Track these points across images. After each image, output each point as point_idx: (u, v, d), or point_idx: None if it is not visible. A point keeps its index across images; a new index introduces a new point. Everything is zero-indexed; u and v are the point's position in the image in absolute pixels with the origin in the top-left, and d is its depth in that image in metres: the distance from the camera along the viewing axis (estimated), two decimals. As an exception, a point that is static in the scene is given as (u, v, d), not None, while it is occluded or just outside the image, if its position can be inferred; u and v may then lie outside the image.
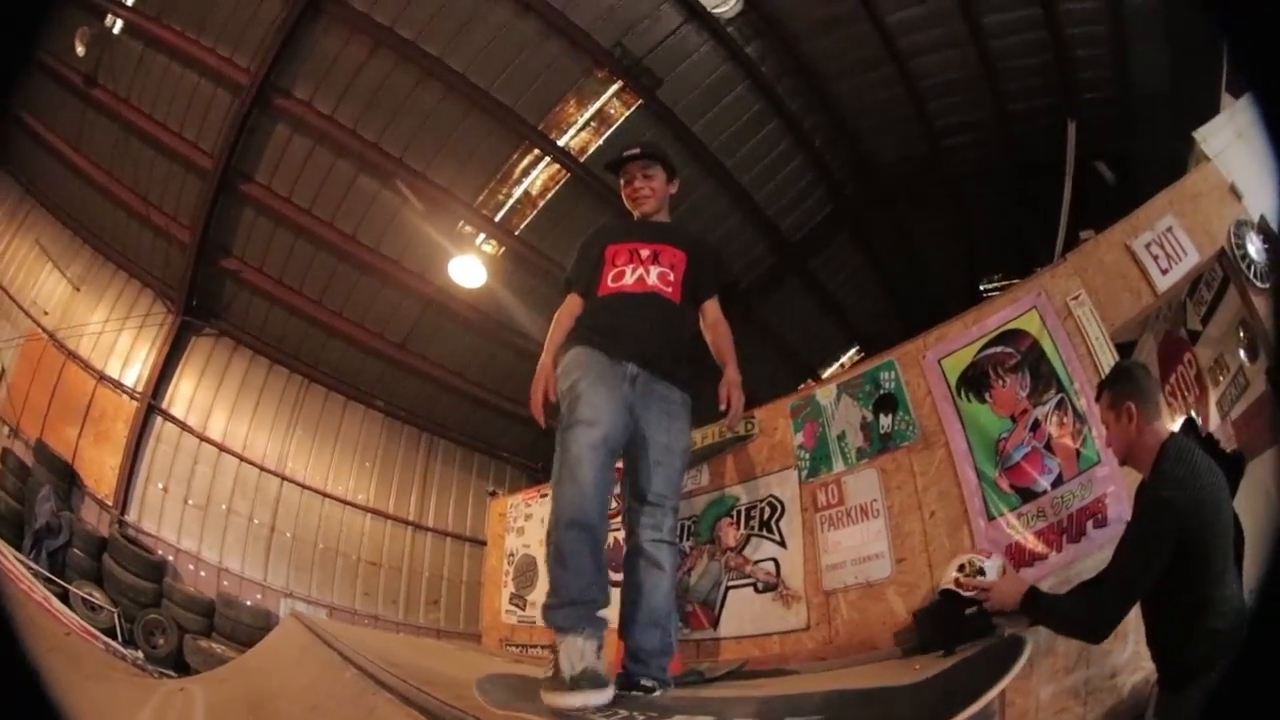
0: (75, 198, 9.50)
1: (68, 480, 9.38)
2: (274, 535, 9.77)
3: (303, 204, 8.44)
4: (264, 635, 8.17)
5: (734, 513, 3.78)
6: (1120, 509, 2.55)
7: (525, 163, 8.14)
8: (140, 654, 8.52)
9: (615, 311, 2.46)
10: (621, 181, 2.75)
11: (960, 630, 2.37)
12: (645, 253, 2.53)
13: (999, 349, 2.94)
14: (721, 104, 8.23)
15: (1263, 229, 3.13)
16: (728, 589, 3.62)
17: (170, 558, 9.42)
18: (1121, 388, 2.09)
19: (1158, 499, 1.87)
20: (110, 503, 9.36)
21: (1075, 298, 2.93)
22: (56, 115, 8.78)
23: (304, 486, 9.94)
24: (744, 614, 3.47)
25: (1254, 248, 3.11)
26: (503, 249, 8.80)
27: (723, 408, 2.47)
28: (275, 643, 5.22)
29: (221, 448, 9.76)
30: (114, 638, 8.50)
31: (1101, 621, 1.96)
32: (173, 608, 9.18)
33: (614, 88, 7.69)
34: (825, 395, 3.56)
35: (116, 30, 7.96)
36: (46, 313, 9.82)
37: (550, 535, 2.13)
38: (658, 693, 2.23)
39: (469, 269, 8.24)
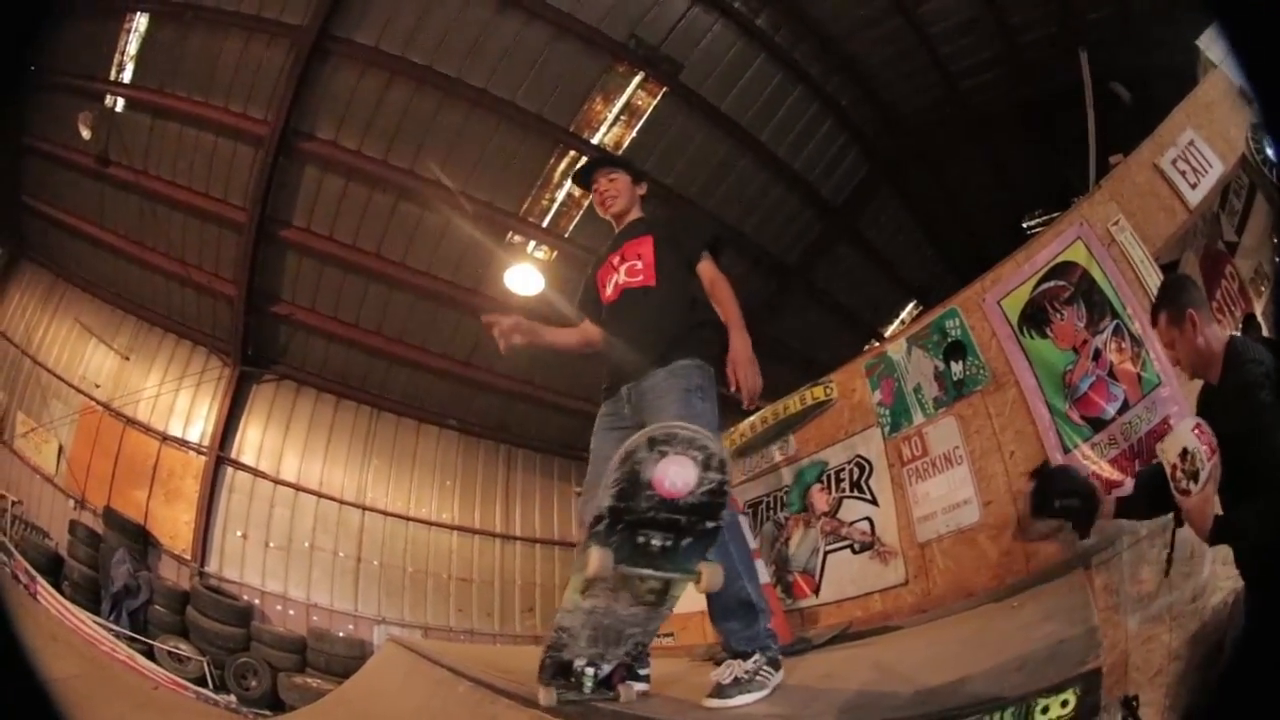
0: (109, 273, 10.00)
1: (142, 541, 9.77)
2: (360, 565, 10.27)
3: (345, 239, 8.97)
4: (360, 664, 8.52)
5: (824, 478, 3.98)
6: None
7: (563, 166, 8.44)
8: (233, 698, 8.92)
9: (606, 338, 2.61)
10: (592, 193, 2.86)
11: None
12: (616, 259, 2.63)
13: (1052, 283, 3.10)
14: (744, 79, 8.37)
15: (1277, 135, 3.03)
16: (826, 554, 3.83)
17: (256, 601, 9.83)
18: (1177, 299, 2.14)
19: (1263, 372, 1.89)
20: (188, 556, 9.82)
21: (1115, 223, 3.06)
22: (75, 199, 9.27)
23: (386, 513, 10.46)
24: (844, 577, 3.68)
25: (1272, 149, 3.18)
26: (555, 253, 9.14)
27: (732, 389, 2.38)
28: (375, 669, 5.35)
29: (297, 487, 10.29)
30: (205, 686, 8.87)
31: None
32: (263, 649, 9.52)
33: (637, 79, 7.96)
34: (896, 350, 3.76)
35: (119, 108, 8.53)
36: (98, 385, 10.33)
37: None
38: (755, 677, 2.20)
39: (525, 277, 8.57)
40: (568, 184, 8.55)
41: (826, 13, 8.09)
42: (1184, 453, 2.08)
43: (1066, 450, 2.93)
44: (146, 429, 10.18)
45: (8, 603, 1.21)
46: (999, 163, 10.20)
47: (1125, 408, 2.84)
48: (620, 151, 8.41)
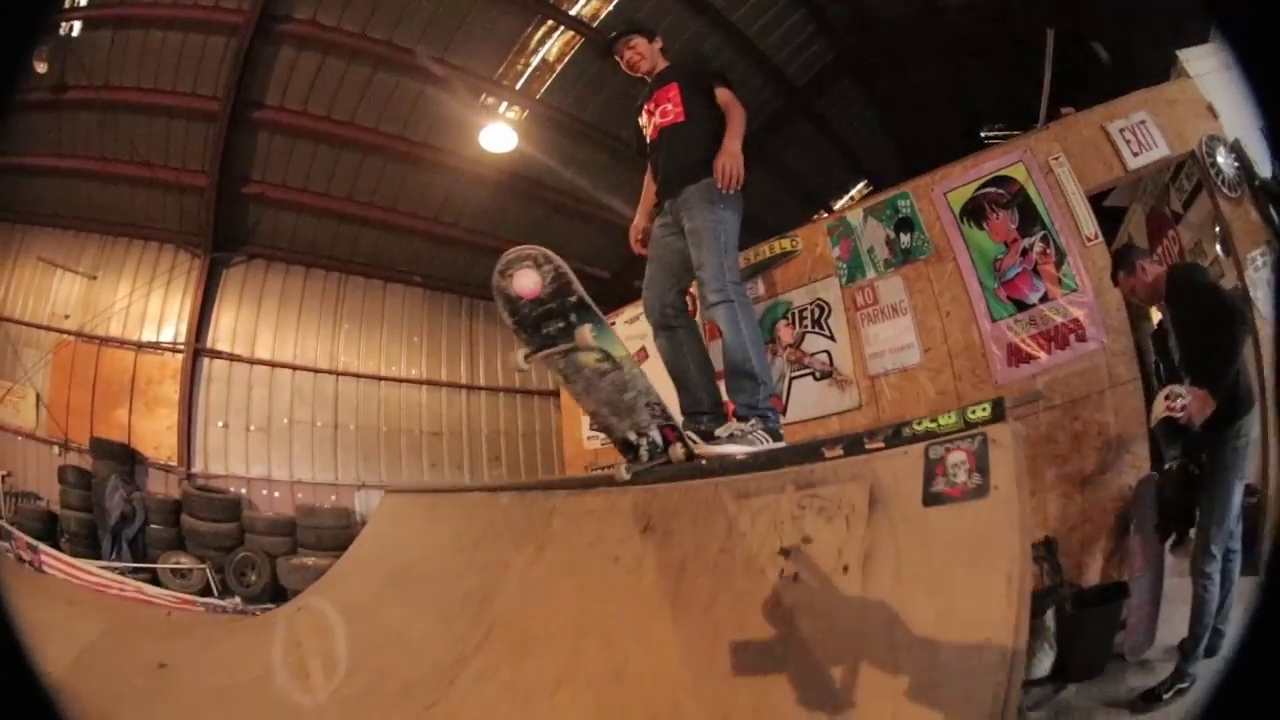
0: (70, 198, 10.01)
1: (129, 461, 9.95)
2: (338, 432, 10.90)
3: (319, 113, 9.09)
4: (349, 533, 9.12)
5: (789, 315, 4.91)
6: (1096, 330, 3.79)
7: (540, 34, 8.65)
8: (237, 599, 9.02)
9: (653, 163, 3.28)
10: (617, 61, 3.42)
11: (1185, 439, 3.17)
12: (652, 105, 3.25)
13: (992, 189, 4.09)
14: None
15: (1235, 149, 3.94)
16: (791, 380, 4.82)
17: (243, 491, 10.21)
18: (1129, 258, 3.23)
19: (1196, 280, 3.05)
20: (175, 463, 10.14)
21: (1056, 159, 4.00)
22: (30, 138, 9.18)
23: (358, 376, 11.07)
24: (807, 400, 4.72)
25: (1224, 160, 3.93)
26: (525, 113, 9.47)
27: (716, 175, 2.91)
28: (382, 525, 5.32)
29: (273, 364, 10.71)
30: (210, 595, 9.08)
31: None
32: (257, 539, 9.82)
33: None
34: (854, 217, 4.73)
35: (76, 33, 8.38)
36: (67, 316, 10.38)
37: None
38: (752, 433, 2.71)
39: (499, 135, 9.05)
40: (543, 50, 8.84)
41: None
42: (1167, 396, 3.08)
43: (994, 319, 4.03)
44: (121, 342, 10.34)
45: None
46: (964, 78, 10.96)
47: (1046, 299, 3.90)
48: (595, 25, 8.63)
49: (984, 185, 4.13)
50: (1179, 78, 4.26)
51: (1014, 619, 1.22)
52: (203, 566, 9.36)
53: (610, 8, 8.57)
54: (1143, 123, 4.01)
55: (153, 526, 9.48)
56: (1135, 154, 4.00)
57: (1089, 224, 3.96)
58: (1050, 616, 3.31)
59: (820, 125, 11.93)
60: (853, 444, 1.75)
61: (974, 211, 4.15)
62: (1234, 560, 3.00)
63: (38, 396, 10.12)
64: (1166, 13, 6.92)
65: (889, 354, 4.40)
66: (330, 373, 10.94)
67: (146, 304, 10.38)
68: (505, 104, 9.30)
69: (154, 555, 9.43)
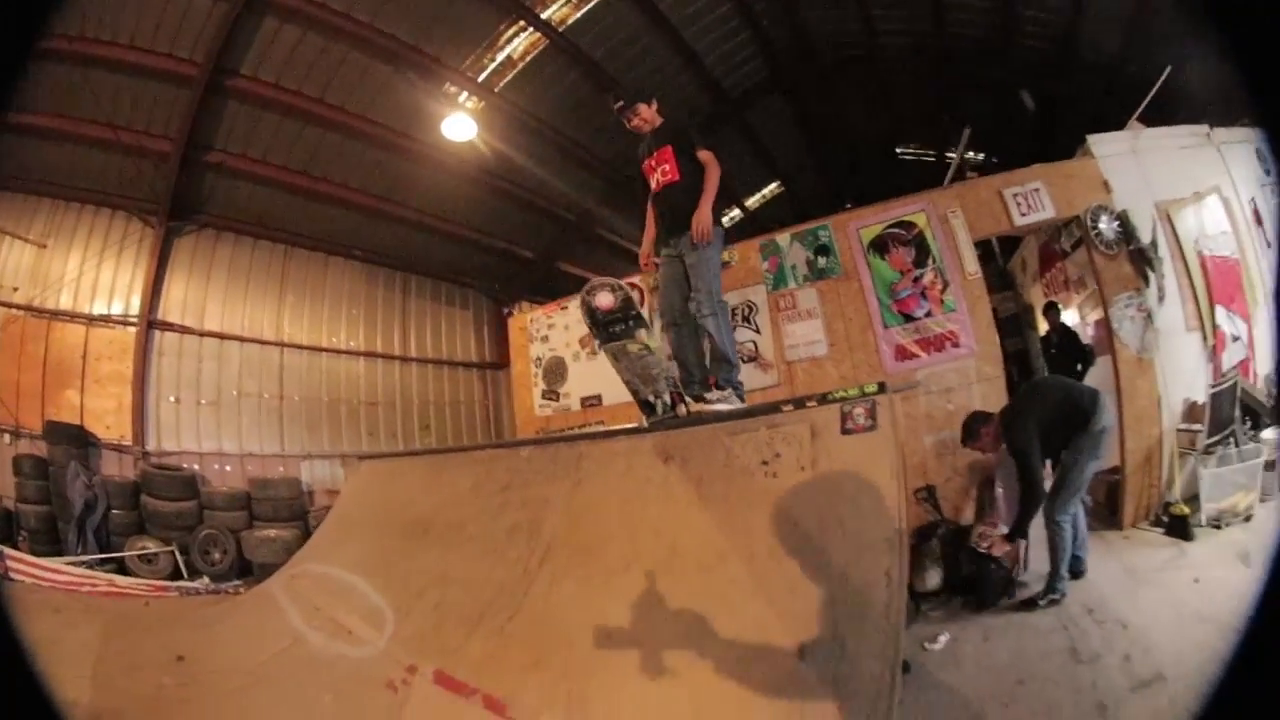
0: (21, 159, 9.62)
1: (84, 444, 9.60)
2: (284, 404, 11.28)
3: (291, 86, 9.39)
4: (300, 503, 10.00)
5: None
6: (968, 340, 5.29)
7: (510, 32, 9.51)
8: (206, 579, 9.00)
9: (657, 209, 4.48)
10: (624, 123, 4.51)
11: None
12: (653, 162, 4.42)
13: (897, 230, 5.53)
14: None
15: (1120, 218, 5.46)
16: None
17: (195, 467, 10.24)
18: (972, 427, 4.52)
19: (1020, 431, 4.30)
20: (128, 442, 10.07)
21: (953, 212, 5.47)
22: None
23: (302, 348, 11.52)
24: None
25: (1105, 225, 5.47)
26: (482, 104, 10.24)
27: (692, 233, 4.13)
28: (369, 489, 6.04)
29: (222, 336, 10.89)
30: (179, 578, 8.94)
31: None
32: (217, 515, 9.80)
33: None
34: (782, 240, 6.11)
35: None
36: (16, 289, 9.92)
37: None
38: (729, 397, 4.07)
39: (460, 125, 9.84)
40: (509, 48, 9.72)
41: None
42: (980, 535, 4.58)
43: (886, 326, 5.50)
44: (72, 316, 10.12)
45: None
46: (888, 101, 12.74)
47: (929, 315, 5.40)
48: (561, 30, 9.71)
49: (890, 226, 5.57)
50: (1083, 156, 5.79)
51: (897, 494, 2.48)
52: (169, 550, 9.28)
53: (579, 15, 9.55)
54: (1036, 190, 5.57)
55: (114, 512, 9.34)
56: (1023, 215, 5.55)
57: (972, 264, 5.51)
58: (935, 544, 4.76)
59: (748, 134, 13.44)
60: (798, 403, 3.01)
61: (879, 245, 5.60)
62: (1083, 512, 4.54)
63: None
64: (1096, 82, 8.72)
65: (802, 346, 5.87)
66: (276, 344, 11.30)
67: (98, 274, 10.23)
68: (466, 94, 10.00)
69: (117, 543, 9.25)
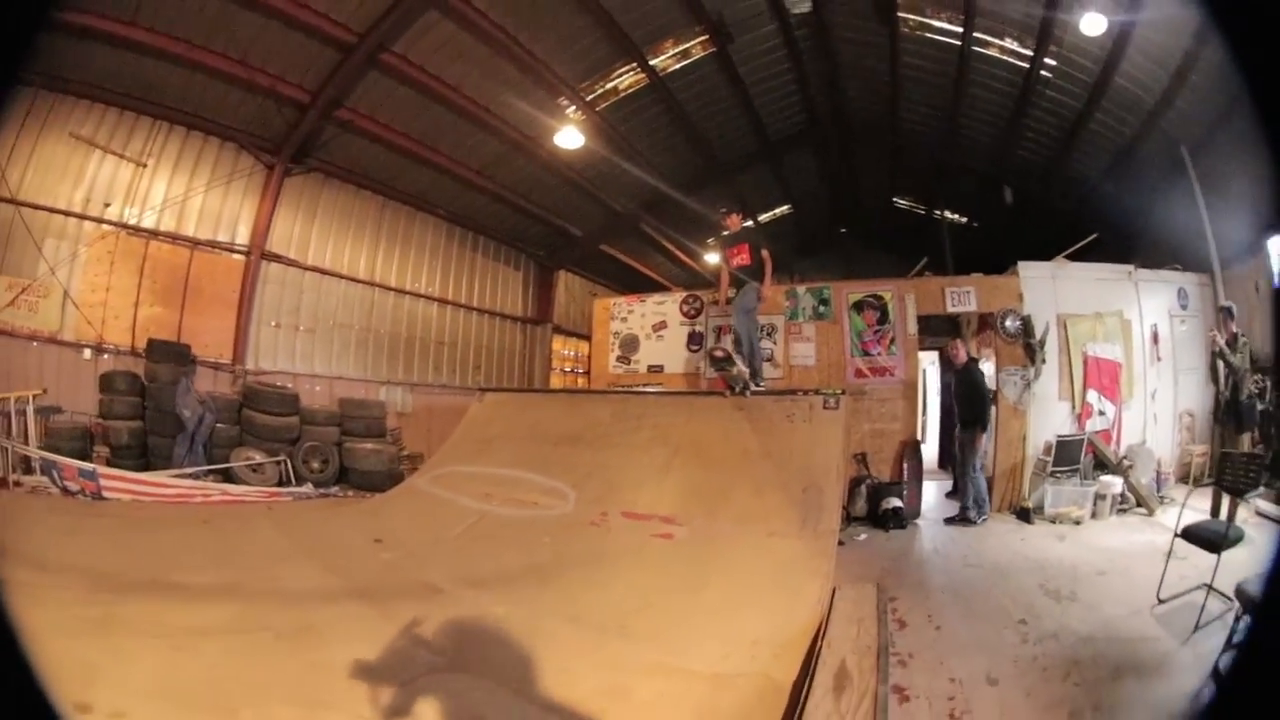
0: (125, 73, 10.08)
1: (189, 362, 10.37)
2: (370, 335, 13.85)
3: (434, 71, 11.38)
4: (382, 422, 12.04)
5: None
6: (900, 372, 9.63)
7: (620, 70, 12.98)
8: (309, 486, 10.06)
9: (733, 277, 8.87)
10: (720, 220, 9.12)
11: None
12: (734, 250, 8.80)
13: (870, 297, 9.77)
14: (764, 59, 13.77)
15: (1024, 319, 9.39)
16: None
17: (290, 385, 11.51)
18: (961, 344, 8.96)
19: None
20: (229, 361, 11.29)
21: (909, 295, 9.71)
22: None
23: (388, 289, 14.33)
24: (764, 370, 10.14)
25: (1010, 323, 9.50)
26: (582, 115, 13.42)
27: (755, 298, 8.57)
28: (492, 414, 8.99)
29: (323, 271, 12.95)
30: (288, 484, 10.01)
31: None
32: (315, 430, 10.91)
33: (702, 38, 12.72)
34: (800, 290, 10.22)
35: None
36: (108, 205, 10.35)
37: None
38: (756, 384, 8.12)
39: (570, 135, 13.12)
40: (616, 81, 13.21)
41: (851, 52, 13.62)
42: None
43: (853, 355, 9.71)
44: (175, 238, 10.94)
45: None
46: (896, 166, 17.08)
47: (880, 354, 9.66)
48: (661, 76, 13.22)
49: (868, 295, 9.70)
50: (1011, 274, 9.83)
51: (844, 446, 6.69)
52: (277, 460, 10.36)
53: (676, 66, 13.17)
54: (968, 291, 9.72)
55: (219, 427, 10.22)
56: (954, 305, 9.76)
57: (913, 327, 9.75)
58: (863, 488, 8.82)
59: (775, 166, 17.62)
60: (807, 392, 7.17)
61: (858, 306, 9.78)
62: (981, 473, 8.56)
63: (65, 294, 9.97)
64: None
65: (800, 358, 10.09)
66: (367, 283, 13.88)
67: (204, 200, 11.21)
68: (573, 107, 13.26)
69: (221, 455, 10.10)
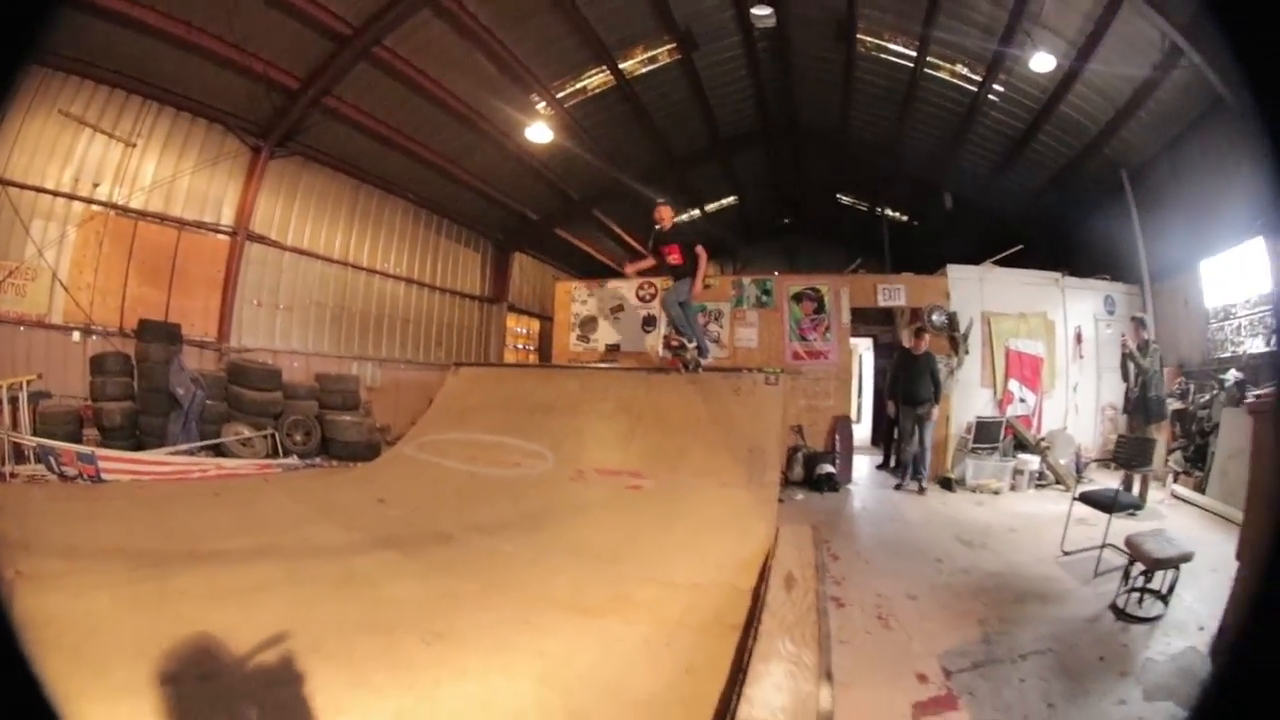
0: (116, 50, 9.97)
1: (178, 341, 10.41)
2: (344, 313, 14.44)
3: (420, 66, 11.88)
4: (356, 395, 12.38)
5: (705, 311, 11.44)
6: (834, 356, 11.04)
7: (591, 72, 13.89)
8: (294, 458, 10.29)
9: (665, 271, 9.63)
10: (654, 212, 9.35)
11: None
12: (666, 249, 9.24)
13: (808, 290, 11.15)
14: (724, 63, 14.84)
15: (948, 314, 10.85)
16: None
17: (271, 361, 11.84)
18: (922, 331, 10.05)
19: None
20: (213, 339, 11.52)
21: (843, 289, 11.11)
22: None
23: (360, 268, 14.92)
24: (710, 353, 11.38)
25: (936, 317, 10.89)
26: (550, 111, 14.32)
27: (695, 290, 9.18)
28: (478, 384, 9.97)
29: (302, 251, 13.40)
30: (276, 456, 10.18)
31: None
32: (297, 404, 11.26)
33: (670, 47, 13.73)
34: (745, 281, 11.57)
35: None
36: (97, 185, 10.21)
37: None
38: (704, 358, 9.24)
39: (541, 132, 14.07)
40: (585, 81, 14.08)
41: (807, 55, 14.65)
42: None
43: (790, 341, 11.06)
44: (163, 218, 11.02)
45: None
46: (842, 166, 18.48)
47: (817, 339, 11.03)
48: (628, 78, 14.14)
49: (807, 288, 11.01)
50: (939, 275, 11.16)
51: (782, 418, 8.07)
52: (265, 434, 10.68)
53: (643, 70, 14.15)
54: (898, 288, 11.10)
55: (208, 404, 10.45)
56: (885, 299, 11.17)
57: (846, 317, 11.11)
58: (799, 456, 10.12)
59: (725, 167, 18.95)
60: (751, 370, 8.55)
61: (797, 297, 11.09)
62: (926, 449, 9.70)
63: (54, 276, 9.85)
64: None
65: (743, 341, 11.37)
66: (341, 263, 14.46)
67: (191, 181, 11.36)
68: (544, 103, 14.12)
69: (211, 431, 10.31)
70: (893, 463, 10.99)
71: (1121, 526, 5.84)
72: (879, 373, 13.71)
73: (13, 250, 9.60)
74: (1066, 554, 6.07)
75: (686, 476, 7.38)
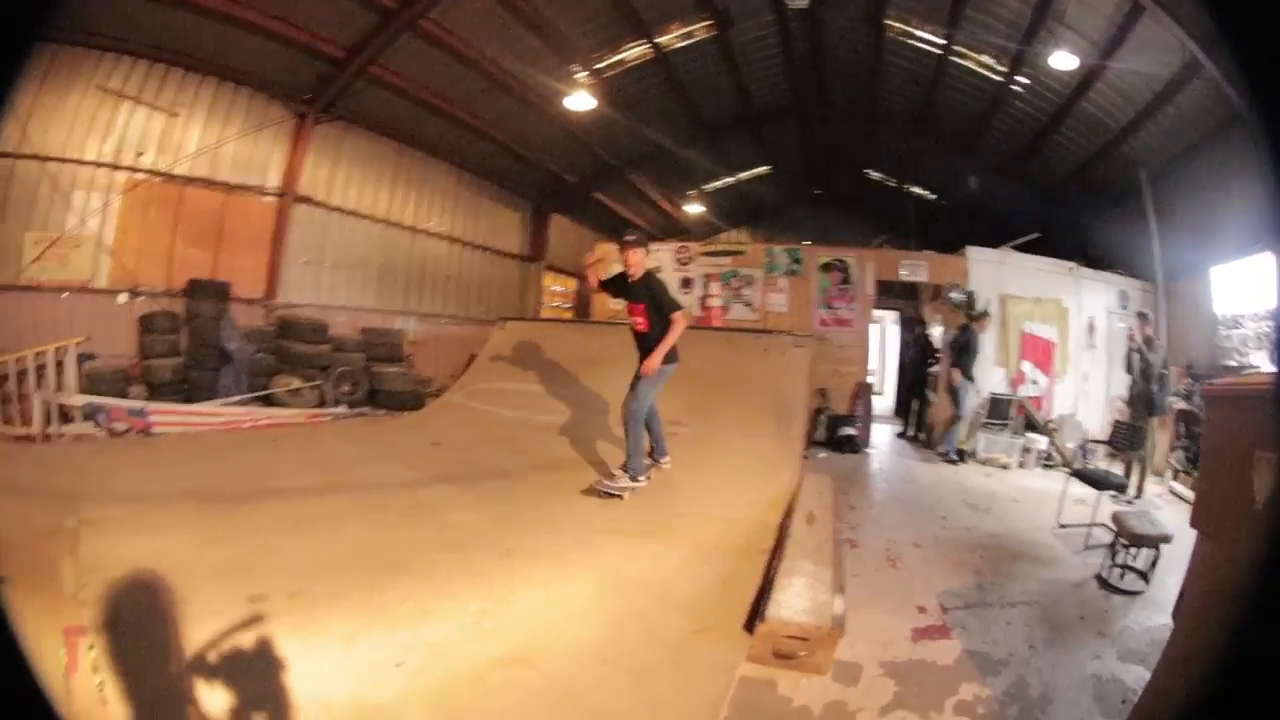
0: (147, 24, 10.13)
1: (226, 299, 10.86)
2: (388, 271, 15.02)
3: (464, 35, 12.15)
4: (400, 349, 13.14)
5: (737, 276, 12.27)
6: (859, 324, 11.76)
7: (628, 45, 14.24)
8: (343, 407, 10.69)
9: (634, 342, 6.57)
10: (621, 255, 6.39)
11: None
12: (632, 308, 6.41)
13: (836, 261, 11.72)
14: (760, 45, 15.24)
15: (966, 293, 11.21)
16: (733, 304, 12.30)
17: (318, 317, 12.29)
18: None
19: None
20: (260, 296, 11.88)
21: (869, 263, 11.68)
22: None
23: (404, 228, 15.50)
24: (743, 314, 12.19)
25: (954, 295, 11.34)
26: (590, 79, 14.58)
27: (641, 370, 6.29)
28: (515, 340, 10.02)
29: (348, 212, 13.90)
30: (323, 406, 10.50)
31: None
32: (344, 356, 11.73)
33: (706, 23, 14.08)
34: (776, 250, 12.13)
35: None
36: (141, 154, 10.53)
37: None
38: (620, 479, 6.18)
39: (581, 100, 14.34)
40: (627, 52, 14.41)
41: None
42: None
43: (818, 308, 11.68)
44: (209, 183, 11.38)
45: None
46: (873, 143, 18.86)
47: (841, 308, 11.62)
48: (664, 51, 14.55)
49: (835, 259, 11.51)
50: (959, 255, 11.62)
51: (806, 372, 8.68)
52: (315, 385, 11.02)
53: (679, 44, 14.54)
54: (920, 265, 11.64)
55: (258, 355, 10.93)
56: (907, 274, 11.68)
57: (870, 289, 11.66)
58: (823, 418, 10.74)
59: (758, 138, 19.28)
60: (780, 334, 9.19)
61: (825, 267, 11.62)
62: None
63: (99, 244, 10.20)
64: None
65: (775, 305, 11.95)
66: (385, 223, 14.97)
67: (234, 147, 11.75)
68: (584, 72, 14.42)
69: (259, 384, 10.68)
70: (910, 431, 11.68)
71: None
72: (904, 345, 14.03)
73: (52, 222, 9.92)
74: (1062, 527, 6.50)
75: (720, 426, 7.96)
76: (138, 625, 3.31)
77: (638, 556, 4.80)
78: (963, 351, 10.33)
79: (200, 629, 3.23)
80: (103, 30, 10.04)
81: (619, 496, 6.11)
